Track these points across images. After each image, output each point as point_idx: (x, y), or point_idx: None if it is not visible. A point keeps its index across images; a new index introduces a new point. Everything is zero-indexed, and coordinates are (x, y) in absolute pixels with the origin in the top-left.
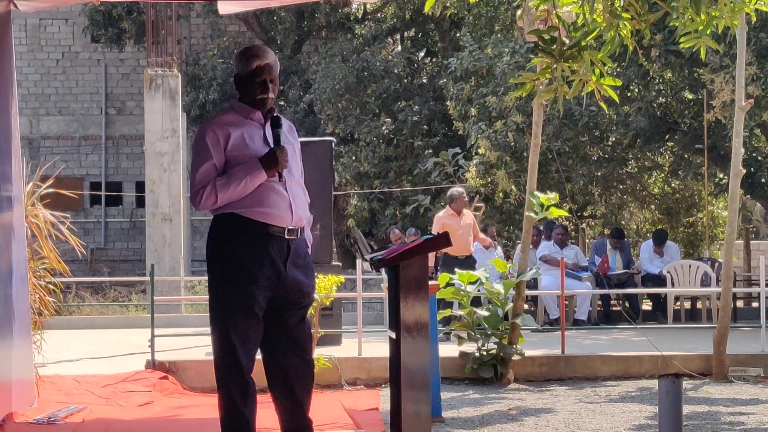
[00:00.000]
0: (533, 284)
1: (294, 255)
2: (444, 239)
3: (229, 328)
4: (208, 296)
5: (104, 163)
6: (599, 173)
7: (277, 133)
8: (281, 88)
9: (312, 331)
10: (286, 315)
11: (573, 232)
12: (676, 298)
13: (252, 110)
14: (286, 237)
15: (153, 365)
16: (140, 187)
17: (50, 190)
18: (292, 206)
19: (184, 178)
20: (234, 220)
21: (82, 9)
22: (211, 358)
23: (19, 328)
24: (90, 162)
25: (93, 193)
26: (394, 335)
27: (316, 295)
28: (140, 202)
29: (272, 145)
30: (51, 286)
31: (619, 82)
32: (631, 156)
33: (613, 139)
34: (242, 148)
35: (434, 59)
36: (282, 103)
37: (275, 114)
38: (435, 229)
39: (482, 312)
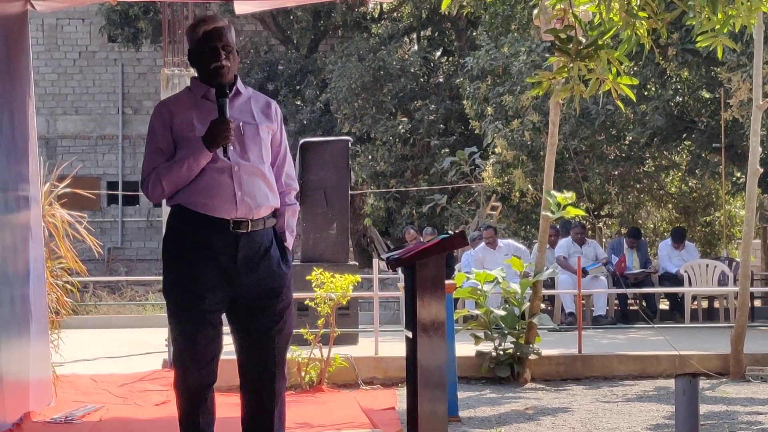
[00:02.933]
0: (550, 283)
1: (246, 250)
2: (460, 238)
3: (176, 329)
4: None
5: (121, 162)
6: (616, 172)
7: (220, 102)
8: (297, 87)
9: (330, 330)
10: (249, 320)
11: (590, 231)
12: (694, 298)
13: (206, 88)
14: (233, 230)
15: (170, 364)
16: None
17: (67, 189)
18: (236, 195)
19: None
20: (179, 212)
21: (99, 9)
22: (229, 357)
23: (36, 328)
24: (107, 161)
25: (110, 192)
26: (410, 334)
27: (332, 294)
28: None
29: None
30: (68, 286)
31: (635, 81)
32: (648, 155)
33: (630, 138)
34: (188, 129)
35: (450, 58)
36: (298, 102)
37: (223, 82)
38: None
39: (499, 311)
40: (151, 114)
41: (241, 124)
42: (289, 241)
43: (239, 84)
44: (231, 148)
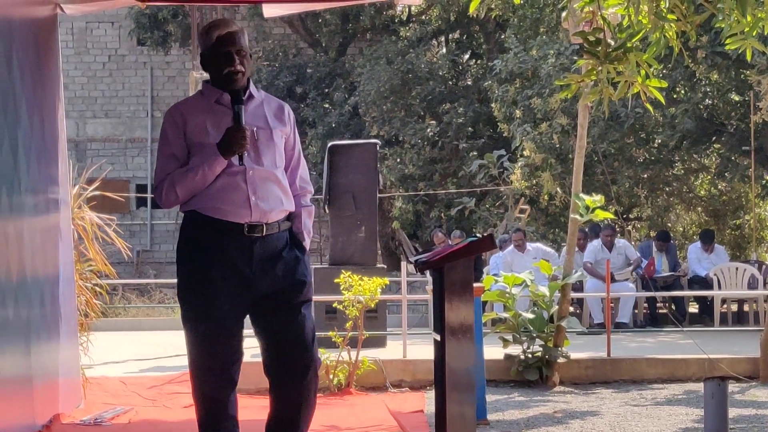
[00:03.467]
0: (579, 287)
1: (261, 254)
2: (489, 241)
3: (191, 336)
4: None
5: (150, 165)
6: (645, 175)
7: (236, 110)
8: (326, 90)
9: (358, 333)
10: (272, 320)
11: (618, 235)
12: (723, 301)
13: (219, 92)
14: (247, 234)
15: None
16: None
17: (96, 192)
18: (250, 199)
19: None
20: (194, 218)
21: (128, 12)
22: (257, 359)
23: (65, 330)
24: (136, 164)
25: (139, 195)
26: (438, 337)
27: (361, 297)
28: None
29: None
30: (97, 288)
31: (665, 84)
32: (677, 158)
33: (659, 140)
34: (202, 135)
35: (479, 61)
36: (327, 105)
37: (237, 88)
38: None
39: (527, 314)
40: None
41: (255, 129)
42: (307, 242)
43: (252, 88)
44: (245, 154)
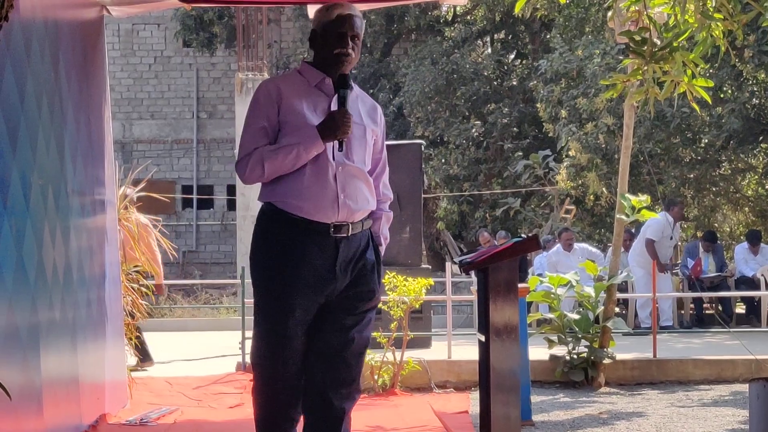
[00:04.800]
0: (624, 287)
1: (344, 254)
2: (534, 242)
3: (264, 336)
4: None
5: (196, 166)
6: (691, 175)
7: (342, 93)
8: (371, 91)
9: (403, 334)
10: (336, 321)
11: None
12: None
13: (322, 75)
14: (332, 235)
15: (244, 367)
16: (231, 190)
17: (143, 193)
18: (339, 198)
19: None
20: (274, 214)
21: (174, 14)
22: None
23: (111, 331)
24: (182, 165)
25: (185, 196)
26: (483, 338)
27: (405, 298)
28: (231, 205)
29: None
30: (143, 289)
31: (711, 83)
32: (724, 158)
33: (706, 140)
34: (298, 115)
35: (524, 61)
36: None
37: (344, 72)
38: None
39: (573, 315)
40: (254, 93)
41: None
42: (383, 248)
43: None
44: (342, 143)
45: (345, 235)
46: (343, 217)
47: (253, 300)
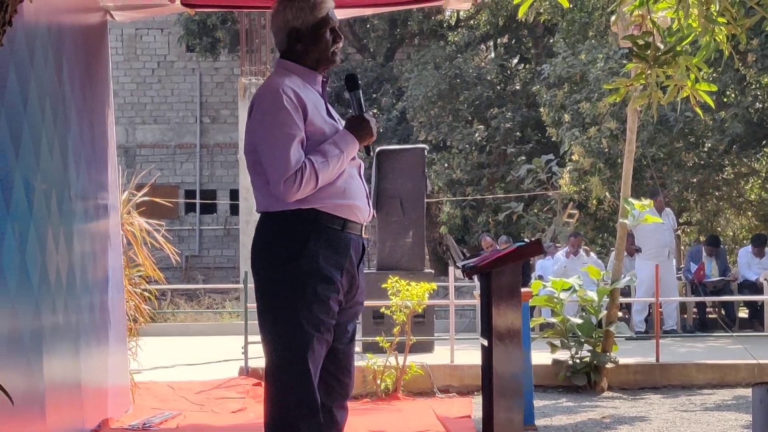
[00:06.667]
0: (627, 292)
1: (361, 255)
2: (537, 246)
3: (305, 351)
4: (262, 305)
5: (199, 171)
6: (694, 180)
7: (358, 96)
8: (374, 95)
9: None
10: (343, 325)
11: None
12: None
13: (314, 74)
14: (362, 236)
15: (246, 372)
16: (234, 194)
17: (146, 198)
18: (368, 196)
19: None
20: (309, 217)
21: (178, 18)
22: None
23: (114, 335)
24: (185, 170)
25: (188, 201)
26: (486, 343)
27: (408, 302)
28: (234, 209)
29: (335, 116)
30: (146, 294)
31: (714, 88)
32: (727, 162)
33: (709, 145)
34: (317, 121)
35: (527, 66)
36: (375, 110)
37: (351, 73)
38: None
39: (575, 320)
40: (261, 95)
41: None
42: None
43: None
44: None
45: (366, 236)
46: (370, 215)
47: (270, 305)
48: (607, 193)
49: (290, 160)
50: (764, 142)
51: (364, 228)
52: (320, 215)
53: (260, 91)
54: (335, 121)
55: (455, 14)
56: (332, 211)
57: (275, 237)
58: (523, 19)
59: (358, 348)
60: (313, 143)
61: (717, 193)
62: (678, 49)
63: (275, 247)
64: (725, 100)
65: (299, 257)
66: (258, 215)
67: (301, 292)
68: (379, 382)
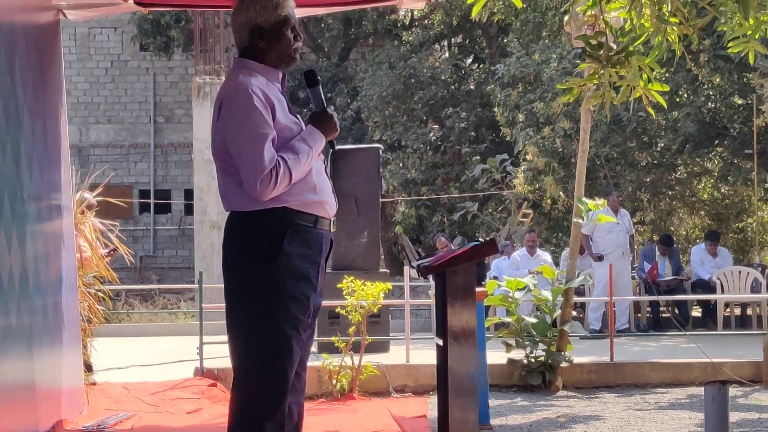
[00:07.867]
0: (581, 291)
1: (329, 252)
2: (491, 246)
3: (283, 357)
4: (236, 305)
5: (153, 171)
6: (648, 179)
7: (318, 91)
8: (328, 95)
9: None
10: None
11: None
12: (726, 305)
13: (276, 72)
14: (330, 230)
15: (202, 372)
16: (189, 194)
17: (99, 198)
18: (334, 191)
19: None
20: (281, 215)
21: (131, 18)
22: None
23: (68, 336)
24: (139, 170)
25: (142, 201)
26: (441, 342)
27: (363, 302)
28: (189, 209)
29: (294, 112)
30: (100, 294)
31: (666, 88)
32: (680, 161)
33: (662, 144)
34: (283, 120)
35: (481, 65)
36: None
37: (310, 69)
38: None
39: (530, 319)
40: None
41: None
42: None
43: None
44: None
45: (334, 230)
46: (335, 211)
47: (245, 305)
48: (561, 193)
49: (264, 160)
50: (717, 141)
51: (332, 223)
52: (293, 213)
53: (228, 92)
54: (296, 118)
55: (409, 14)
56: (304, 208)
57: (249, 236)
58: (477, 19)
59: (313, 348)
60: (282, 140)
61: (670, 193)
62: (630, 49)
63: (250, 246)
64: (678, 99)
65: (276, 256)
66: (226, 214)
67: (279, 291)
68: (334, 382)
